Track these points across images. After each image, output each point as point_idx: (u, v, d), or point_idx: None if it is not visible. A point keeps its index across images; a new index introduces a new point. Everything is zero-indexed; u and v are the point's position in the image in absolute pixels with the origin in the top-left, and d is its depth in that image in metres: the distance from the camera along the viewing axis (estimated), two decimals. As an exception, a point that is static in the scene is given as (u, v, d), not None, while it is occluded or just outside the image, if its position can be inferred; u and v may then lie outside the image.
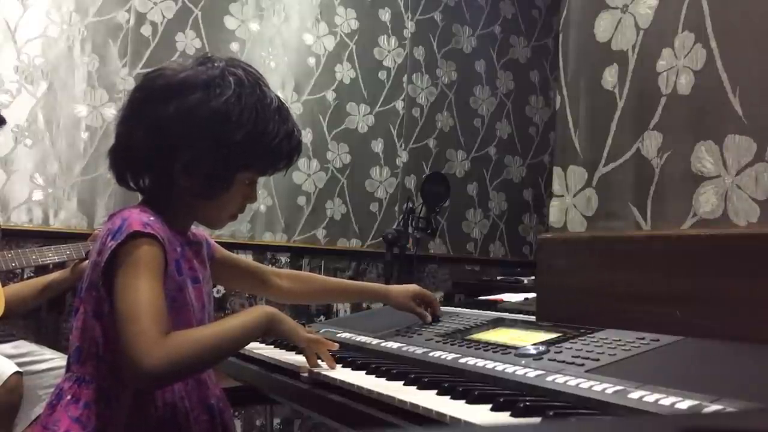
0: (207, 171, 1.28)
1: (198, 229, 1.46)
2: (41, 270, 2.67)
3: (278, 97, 1.35)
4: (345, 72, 3.79)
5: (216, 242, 1.55)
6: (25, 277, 2.87)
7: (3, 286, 2.41)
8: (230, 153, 1.28)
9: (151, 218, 1.24)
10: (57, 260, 2.48)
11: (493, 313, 1.73)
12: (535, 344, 1.30)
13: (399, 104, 3.94)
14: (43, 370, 2.38)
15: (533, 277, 2.63)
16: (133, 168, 1.32)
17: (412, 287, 1.70)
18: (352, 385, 1.23)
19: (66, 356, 1.34)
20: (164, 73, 1.31)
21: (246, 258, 1.65)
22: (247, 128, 1.28)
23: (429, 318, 1.67)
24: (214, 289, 1.59)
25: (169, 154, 1.27)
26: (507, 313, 1.69)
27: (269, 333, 1.34)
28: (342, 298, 1.91)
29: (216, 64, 1.31)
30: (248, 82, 1.30)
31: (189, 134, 1.26)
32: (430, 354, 1.38)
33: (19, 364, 2.28)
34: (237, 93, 1.28)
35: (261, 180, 1.42)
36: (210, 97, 1.26)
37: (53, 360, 2.41)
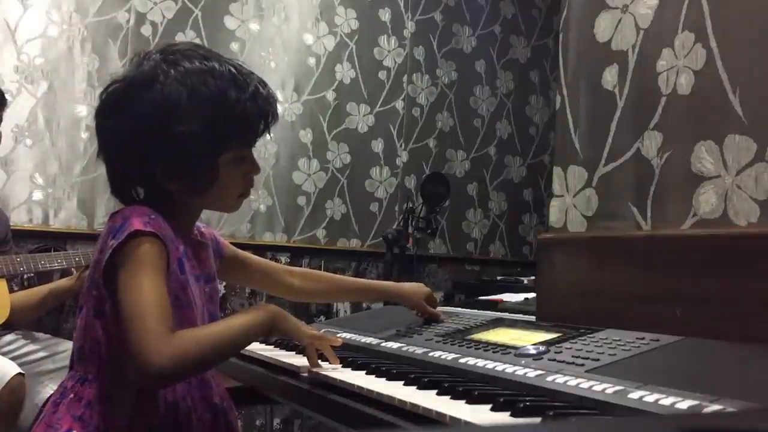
0: (186, 170, 1.26)
1: (207, 228, 1.46)
2: (44, 275, 2.66)
3: (229, 62, 1.29)
4: (345, 72, 3.79)
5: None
6: (25, 278, 2.87)
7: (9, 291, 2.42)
8: (199, 143, 1.23)
9: (152, 216, 1.23)
10: (65, 266, 2.47)
11: (493, 313, 1.73)
12: (535, 344, 1.30)
13: (399, 104, 3.94)
14: (42, 358, 2.41)
15: (533, 277, 2.63)
16: (125, 185, 1.31)
17: (425, 288, 1.69)
18: (352, 385, 1.23)
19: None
20: (110, 89, 1.28)
21: (257, 256, 1.63)
22: (204, 111, 1.23)
23: (442, 317, 1.66)
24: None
25: (144, 164, 1.25)
26: (507, 313, 1.69)
27: (273, 331, 1.33)
28: (355, 297, 1.86)
29: (152, 57, 1.27)
30: (189, 63, 1.25)
31: (151, 140, 1.24)
32: (430, 354, 1.38)
33: (17, 357, 2.31)
34: (179, 80, 1.23)
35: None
36: (154, 95, 1.23)
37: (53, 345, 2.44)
